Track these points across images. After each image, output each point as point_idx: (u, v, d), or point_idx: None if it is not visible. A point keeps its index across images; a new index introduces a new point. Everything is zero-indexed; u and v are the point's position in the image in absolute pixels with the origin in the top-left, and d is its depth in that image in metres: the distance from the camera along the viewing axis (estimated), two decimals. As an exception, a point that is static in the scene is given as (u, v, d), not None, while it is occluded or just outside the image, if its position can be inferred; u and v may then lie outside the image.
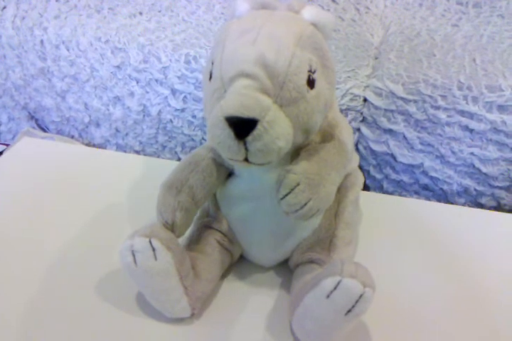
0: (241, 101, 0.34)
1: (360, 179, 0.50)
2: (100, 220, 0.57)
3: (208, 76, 0.39)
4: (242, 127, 0.34)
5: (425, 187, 0.72)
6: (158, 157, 0.83)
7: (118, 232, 0.54)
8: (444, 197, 0.72)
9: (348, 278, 0.35)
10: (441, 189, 0.71)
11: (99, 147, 0.87)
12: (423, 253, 0.53)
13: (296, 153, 0.41)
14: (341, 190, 0.47)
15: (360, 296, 0.35)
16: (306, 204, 0.37)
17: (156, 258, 0.39)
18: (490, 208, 0.70)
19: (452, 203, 0.72)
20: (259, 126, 0.34)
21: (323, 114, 0.40)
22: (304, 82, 0.37)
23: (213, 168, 0.44)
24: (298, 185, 0.37)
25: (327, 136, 0.42)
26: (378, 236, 0.55)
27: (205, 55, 0.71)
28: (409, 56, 0.70)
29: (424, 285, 0.49)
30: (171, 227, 0.42)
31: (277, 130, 0.35)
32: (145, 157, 0.69)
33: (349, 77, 0.68)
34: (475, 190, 0.69)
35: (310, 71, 0.37)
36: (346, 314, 0.36)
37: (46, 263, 0.51)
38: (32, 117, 0.92)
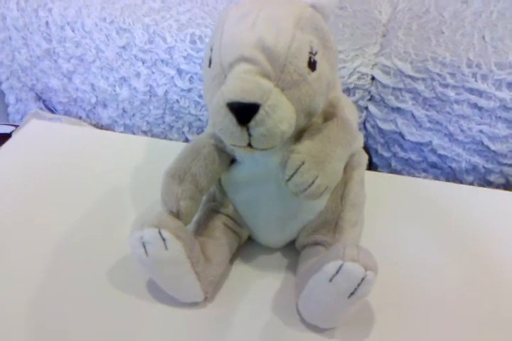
0: (241, 86, 0.34)
1: (364, 159, 0.50)
2: (107, 202, 0.58)
3: (208, 62, 0.39)
4: (244, 112, 0.34)
5: (433, 165, 0.72)
6: (165, 137, 0.83)
7: (125, 214, 0.55)
8: (453, 175, 0.72)
9: (349, 262, 0.36)
10: (450, 167, 0.71)
11: (107, 127, 0.87)
12: (429, 233, 0.53)
13: (298, 135, 0.40)
14: (347, 170, 0.47)
15: (362, 279, 0.36)
16: (313, 182, 0.37)
17: (166, 248, 0.39)
18: (498, 185, 0.70)
19: (461, 181, 0.72)
20: (261, 111, 0.34)
21: (325, 95, 0.40)
22: (305, 64, 0.36)
23: (215, 154, 0.44)
24: (303, 163, 0.37)
25: (329, 115, 0.42)
26: (383, 217, 0.55)
27: (210, 35, 0.70)
28: (418, 34, 0.69)
29: (431, 266, 0.50)
30: (177, 216, 0.42)
31: (280, 114, 0.35)
32: (153, 138, 0.69)
33: (357, 55, 0.67)
34: (483, 167, 0.69)
35: (311, 53, 0.37)
36: (349, 297, 0.37)
37: (53, 245, 0.52)
38: (39, 98, 0.92)
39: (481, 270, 0.50)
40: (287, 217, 0.46)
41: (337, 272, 0.36)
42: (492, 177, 0.70)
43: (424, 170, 0.73)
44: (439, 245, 0.52)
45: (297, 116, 0.37)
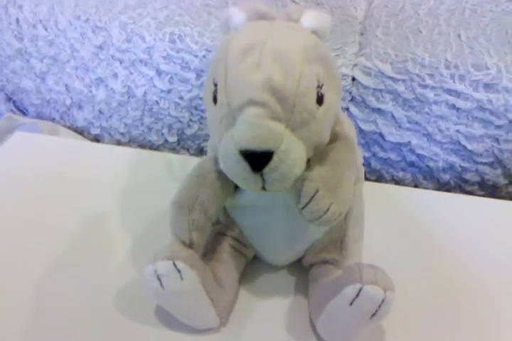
0: (254, 133, 0.34)
1: (362, 173, 0.50)
2: (97, 217, 0.58)
3: (211, 97, 0.38)
4: (257, 160, 0.34)
5: (412, 164, 0.73)
6: (143, 139, 0.82)
7: (118, 230, 0.55)
8: (430, 174, 0.73)
9: (368, 285, 0.36)
10: (428, 166, 0.72)
11: (82, 129, 0.85)
12: (417, 243, 0.55)
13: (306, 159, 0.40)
14: None
15: (383, 301, 0.36)
16: (328, 209, 0.37)
17: (182, 279, 0.39)
18: (474, 183, 0.73)
19: (437, 179, 0.74)
20: (275, 158, 0.34)
21: (331, 125, 0.39)
22: (314, 101, 0.36)
23: (222, 180, 0.42)
24: (317, 191, 0.37)
25: (333, 133, 0.41)
26: (375, 227, 0.56)
27: (189, 33, 0.69)
28: (396, 33, 0.70)
29: (420, 273, 0.52)
30: (189, 246, 0.42)
31: (293, 157, 0.35)
32: (143, 150, 0.70)
33: (337, 55, 0.68)
34: (460, 166, 0.71)
35: (318, 86, 0.36)
36: (371, 318, 0.37)
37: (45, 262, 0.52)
38: (9, 99, 0.89)
39: (466, 278, 0.51)
40: (294, 238, 0.46)
41: (357, 295, 0.37)
42: (468, 176, 0.72)
43: (403, 169, 0.75)
44: (428, 254, 0.54)
45: (307, 152, 0.37)
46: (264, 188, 0.35)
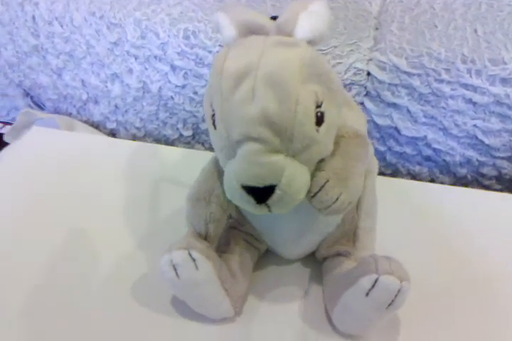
0: (254, 171, 0.34)
1: (375, 165, 0.50)
2: (110, 211, 0.58)
3: (211, 122, 0.37)
4: (260, 193, 0.35)
5: (428, 159, 0.73)
6: (159, 133, 0.82)
7: (131, 226, 0.56)
8: (447, 168, 0.73)
9: (384, 275, 0.37)
10: (444, 160, 0.72)
11: (99, 124, 0.86)
12: (430, 237, 0.55)
13: None
14: None
15: (398, 291, 0.36)
16: (337, 198, 0.37)
17: (197, 268, 0.39)
18: (491, 177, 0.72)
19: (454, 173, 0.73)
20: (277, 191, 0.34)
21: (334, 136, 0.39)
22: (313, 126, 0.35)
23: None
24: (327, 181, 0.37)
25: (340, 129, 0.41)
26: (388, 220, 0.55)
27: (203, 29, 0.69)
28: (411, 27, 0.69)
29: (433, 268, 0.51)
30: (204, 238, 0.42)
31: (296, 186, 0.35)
32: (158, 145, 0.70)
33: (352, 50, 0.67)
34: (477, 160, 0.70)
35: (317, 106, 0.36)
36: (387, 308, 0.38)
37: (55, 253, 0.53)
38: (27, 94, 0.90)
39: (475, 273, 0.51)
40: (306, 232, 0.46)
41: (373, 286, 0.37)
42: (485, 170, 0.71)
43: (419, 163, 0.74)
44: (439, 248, 0.54)
45: (310, 170, 0.37)
46: (270, 211, 0.36)
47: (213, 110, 0.37)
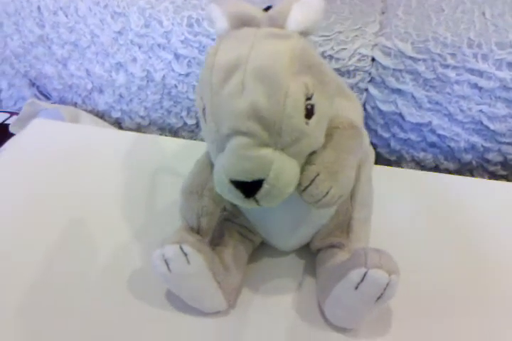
0: (242, 165, 0.34)
1: (371, 155, 0.50)
2: (111, 203, 0.58)
3: (202, 115, 0.38)
4: (248, 187, 0.35)
5: (432, 145, 0.73)
6: (163, 122, 0.82)
7: (133, 216, 0.56)
8: (451, 154, 0.73)
9: (373, 269, 0.37)
10: (449, 146, 0.72)
11: (103, 113, 0.87)
12: (433, 228, 0.55)
13: None
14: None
15: (387, 284, 0.37)
16: (327, 192, 0.37)
17: (189, 262, 0.39)
18: (496, 163, 0.72)
19: (459, 159, 0.73)
20: (265, 185, 0.34)
21: (325, 128, 0.39)
22: (302, 119, 0.35)
23: None
24: (318, 175, 0.37)
25: (333, 120, 0.41)
26: (388, 211, 0.56)
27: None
28: (418, 12, 0.69)
29: (437, 261, 0.51)
30: (197, 231, 0.43)
31: (284, 180, 0.35)
32: (161, 137, 0.70)
33: (356, 35, 0.67)
34: (482, 146, 0.70)
35: (307, 99, 0.35)
36: (376, 301, 0.38)
37: (55, 247, 0.53)
38: (33, 84, 0.90)
39: (479, 260, 0.51)
40: (300, 224, 0.46)
41: (362, 280, 0.37)
42: (490, 156, 0.71)
43: (423, 150, 0.74)
44: (444, 239, 0.54)
45: (300, 163, 0.37)
46: (259, 205, 0.36)
47: (204, 104, 0.37)
